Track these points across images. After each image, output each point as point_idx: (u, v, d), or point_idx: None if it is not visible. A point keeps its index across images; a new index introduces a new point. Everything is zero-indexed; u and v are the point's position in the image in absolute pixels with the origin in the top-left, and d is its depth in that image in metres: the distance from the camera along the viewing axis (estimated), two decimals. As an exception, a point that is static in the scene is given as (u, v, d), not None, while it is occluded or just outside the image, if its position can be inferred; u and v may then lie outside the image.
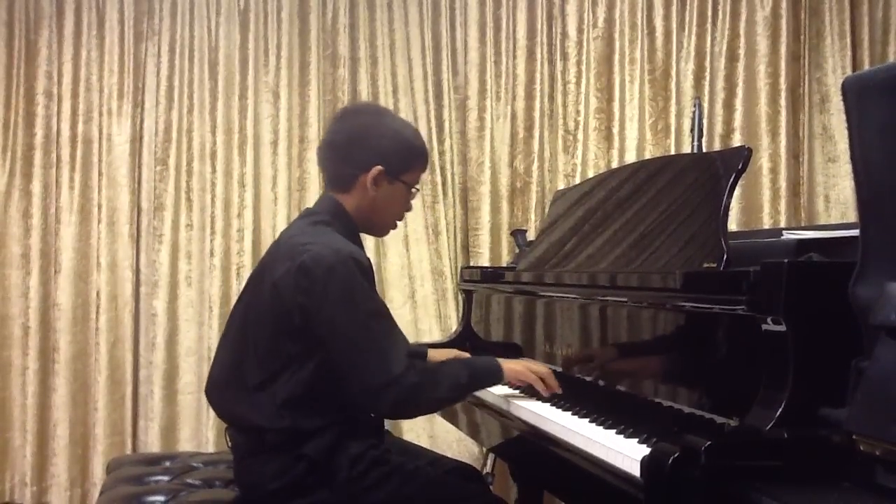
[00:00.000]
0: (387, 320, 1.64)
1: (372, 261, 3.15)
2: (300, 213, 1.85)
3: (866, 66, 3.07)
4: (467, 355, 2.10)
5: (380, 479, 1.65)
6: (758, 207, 3.08)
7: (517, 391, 1.89)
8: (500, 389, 1.89)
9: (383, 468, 1.67)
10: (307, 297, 1.57)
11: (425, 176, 3.22)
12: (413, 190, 1.79)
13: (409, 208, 1.82)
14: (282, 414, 1.61)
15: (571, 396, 1.74)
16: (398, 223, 1.84)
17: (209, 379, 1.78)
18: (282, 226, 3.03)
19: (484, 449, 2.99)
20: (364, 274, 1.61)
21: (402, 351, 1.61)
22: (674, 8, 3.16)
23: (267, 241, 3.14)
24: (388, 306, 3.27)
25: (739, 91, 3.11)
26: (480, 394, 1.96)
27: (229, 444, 1.75)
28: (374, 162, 1.70)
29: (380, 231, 1.88)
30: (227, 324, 1.81)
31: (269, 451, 1.63)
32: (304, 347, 1.61)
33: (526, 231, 2.74)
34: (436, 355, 2.05)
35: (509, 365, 1.76)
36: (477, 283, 2.46)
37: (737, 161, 1.57)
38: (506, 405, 1.83)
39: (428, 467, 1.82)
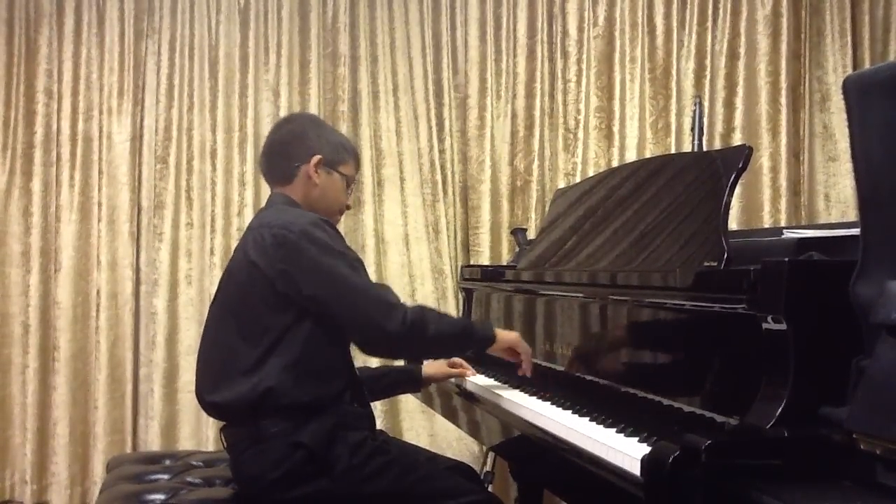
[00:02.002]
0: (366, 271, 1.77)
1: (372, 260, 3.20)
2: (257, 212, 1.96)
3: (867, 65, 3.07)
4: (462, 360, 2.14)
5: (379, 469, 1.68)
6: (758, 206, 3.08)
7: (519, 389, 1.90)
8: (505, 391, 1.90)
9: (382, 458, 1.70)
10: (287, 263, 1.66)
11: (426, 175, 3.26)
12: (350, 185, 1.93)
13: (349, 203, 1.96)
14: (284, 377, 1.65)
15: (571, 395, 1.74)
16: (342, 215, 1.97)
17: (196, 383, 1.79)
18: (282, 224, 3.03)
19: (484, 447, 2.99)
20: (335, 230, 1.74)
21: (392, 290, 1.75)
22: (674, 6, 3.16)
23: (267, 240, 3.14)
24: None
25: (740, 90, 3.11)
26: (480, 392, 1.96)
27: (224, 444, 1.76)
28: (312, 153, 1.85)
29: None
30: (204, 327, 1.85)
31: (266, 441, 1.65)
32: (294, 316, 1.68)
33: (526, 230, 2.74)
34: (429, 369, 2.14)
35: (503, 334, 1.89)
36: (477, 281, 2.46)
37: (737, 160, 1.57)
38: (506, 404, 1.83)
39: (426, 462, 1.85)
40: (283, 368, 1.66)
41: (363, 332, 1.72)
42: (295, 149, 1.86)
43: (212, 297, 3.15)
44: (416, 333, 1.70)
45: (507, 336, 1.89)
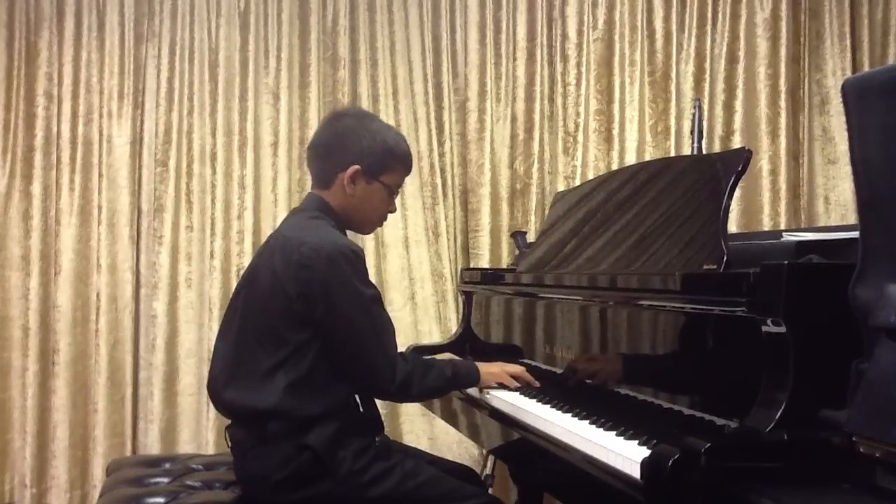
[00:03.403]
0: (381, 307, 1.76)
1: (372, 263, 3.20)
2: (290, 211, 1.91)
3: (866, 68, 3.07)
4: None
5: (381, 474, 1.69)
6: (758, 209, 3.08)
7: (518, 392, 1.90)
8: (505, 394, 1.90)
9: (385, 463, 1.71)
10: (309, 287, 1.65)
11: (426, 178, 3.26)
12: (394, 193, 1.87)
13: (391, 209, 1.90)
14: (285, 397, 1.65)
15: (571, 398, 1.74)
16: (383, 223, 1.93)
17: (210, 376, 1.80)
18: (282, 227, 3.03)
19: (484, 451, 2.98)
20: (361, 263, 1.72)
21: (392, 335, 1.76)
22: (674, 10, 3.16)
23: (267, 243, 3.14)
24: (388, 308, 3.28)
25: (739, 93, 3.11)
26: (480, 395, 1.96)
27: (229, 443, 1.76)
28: (351, 161, 1.79)
29: (362, 228, 1.93)
30: (223, 321, 1.85)
31: (272, 442, 1.66)
32: (309, 334, 1.68)
33: (526, 233, 2.74)
34: None
35: (487, 369, 1.93)
36: (477, 284, 2.46)
37: (737, 163, 1.58)
38: (506, 407, 1.83)
39: (428, 466, 1.84)
40: (286, 388, 1.65)
41: (354, 377, 1.73)
42: (336, 153, 1.81)
43: (211, 300, 3.21)
44: (401, 392, 1.75)
45: (490, 373, 1.92)
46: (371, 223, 1.91)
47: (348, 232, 1.89)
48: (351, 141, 1.80)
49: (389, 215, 1.94)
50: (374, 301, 1.72)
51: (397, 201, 3.19)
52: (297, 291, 1.66)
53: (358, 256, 1.71)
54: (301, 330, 1.67)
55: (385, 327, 1.74)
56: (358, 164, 1.79)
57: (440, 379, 1.82)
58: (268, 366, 1.67)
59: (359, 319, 1.68)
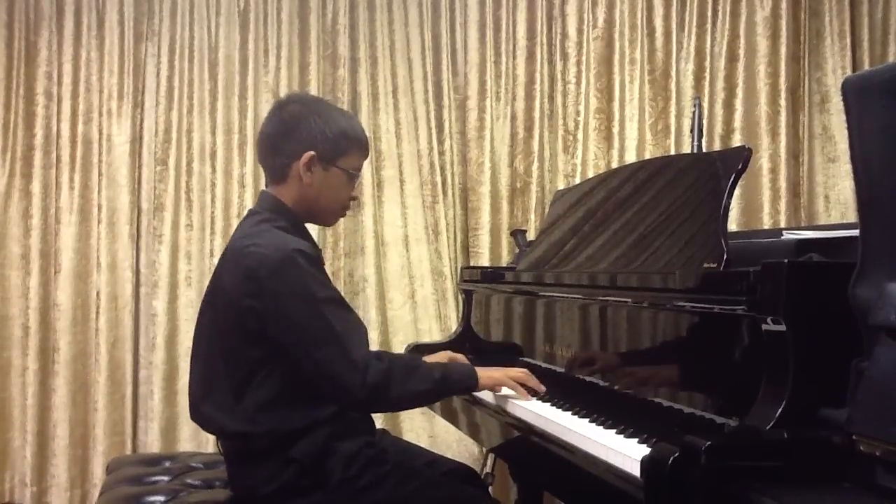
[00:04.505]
0: (342, 308, 1.61)
1: (372, 262, 3.20)
2: (245, 214, 1.81)
3: (866, 67, 3.07)
4: (462, 356, 2.00)
5: (376, 480, 1.63)
6: (758, 207, 3.08)
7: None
8: (505, 393, 1.89)
9: (380, 468, 1.65)
10: (256, 300, 1.55)
11: (426, 176, 3.26)
12: (354, 178, 1.75)
13: (353, 196, 1.77)
14: (259, 419, 1.58)
15: (571, 396, 1.74)
16: (346, 212, 1.81)
17: (190, 397, 1.73)
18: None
19: (484, 449, 2.99)
20: (312, 264, 1.59)
21: (361, 336, 1.61)
22: (674, 8, 3.16)
23: (267, 242, 3.13)
24: (388, 307, 3.28)
25: (739, 91, 3.11)
26: (480, 393, 1.96)
27: (221, 451, 1.74)
28: (304, 149, 1.67)
29: (324, 219, 1.82)
30: (194, 341, 1.77)
31: (257, 456, 1.60)
32: (268, 350, 1.58)
33: (526, 231, 2.74)
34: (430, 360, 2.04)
35: (487, 373, 1.77)
36: (477, 283, 2.46)
37: (737, 161, 1.58)
38: (506, 405, 1.83)
39: (425, 468, 1.81)
40: (260, 407, 1.57)
41: (323, 391, 1.60)
42: (286, 143, 1.68)
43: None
44: (378, 397, 1.58)
45: (491, 377, 1.77)
46: (334, 213, 1.77)
47: (321, 228, 1.76)
48: (301, 127, 1.68)
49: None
50: (327, 302, 1.57)
51: (397, 199, 3.24)
52: (246, 305, 1.55)
53: (308, 256, 1.58)
54: (261, 346, 1.57)
55: (348, 329, 1.57)
56: (312, 150, 1.67)
57: (426, 381, 1.65)
58: (237, 387, 1.59)
59: (313, 326, 1.54)
